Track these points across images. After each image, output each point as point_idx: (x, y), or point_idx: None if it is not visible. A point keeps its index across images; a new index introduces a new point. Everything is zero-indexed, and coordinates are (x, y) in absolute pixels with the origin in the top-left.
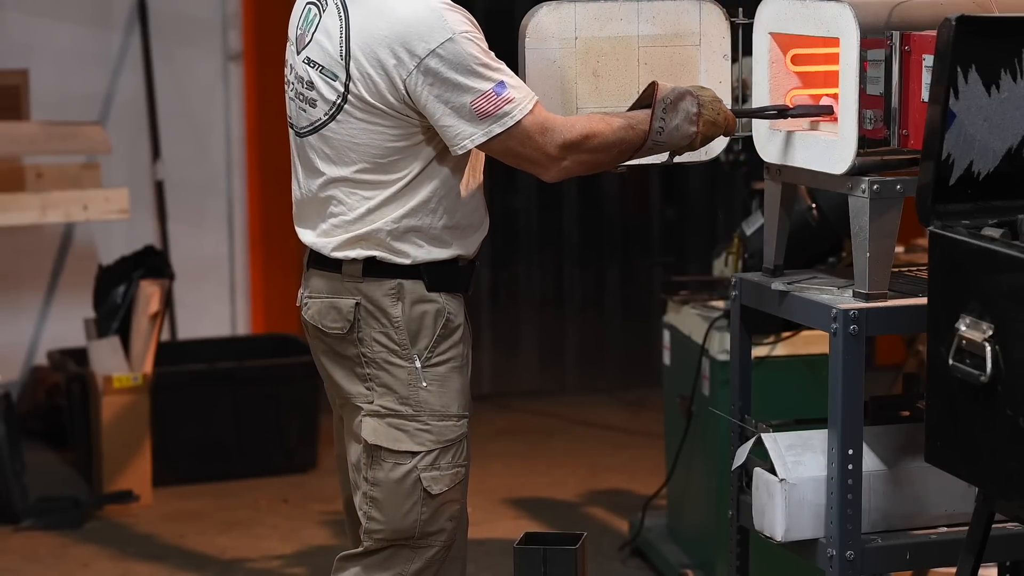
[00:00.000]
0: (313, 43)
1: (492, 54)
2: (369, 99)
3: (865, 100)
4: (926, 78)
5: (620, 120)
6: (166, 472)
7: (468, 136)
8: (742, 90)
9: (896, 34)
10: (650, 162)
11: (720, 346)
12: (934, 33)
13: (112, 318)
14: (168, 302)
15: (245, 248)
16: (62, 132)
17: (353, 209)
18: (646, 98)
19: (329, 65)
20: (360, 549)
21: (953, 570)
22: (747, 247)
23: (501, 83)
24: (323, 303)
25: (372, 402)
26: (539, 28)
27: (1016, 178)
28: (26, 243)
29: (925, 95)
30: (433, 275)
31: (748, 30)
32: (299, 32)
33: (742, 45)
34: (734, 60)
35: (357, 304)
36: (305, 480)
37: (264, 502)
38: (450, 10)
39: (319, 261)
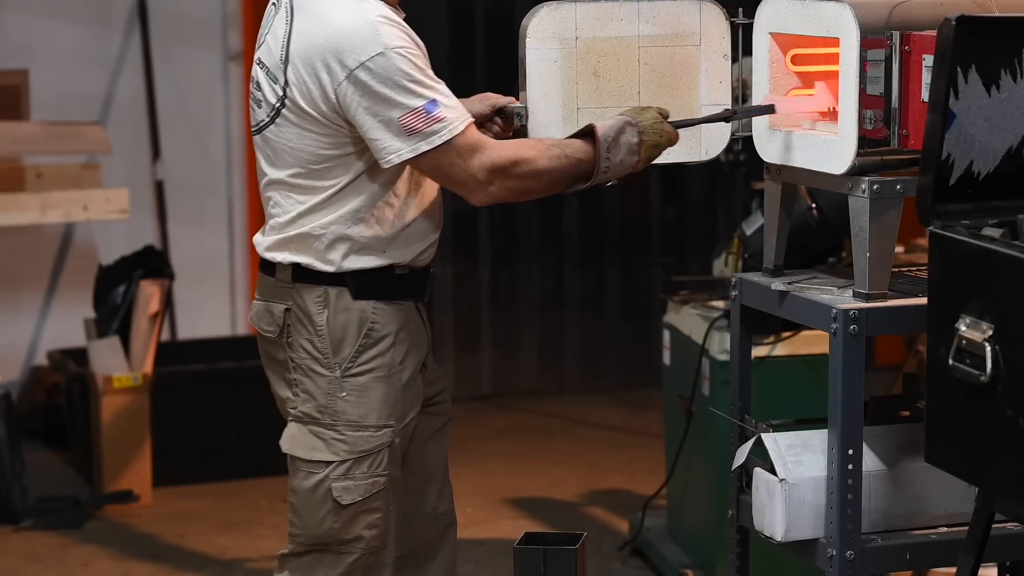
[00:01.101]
0: (264, 44)
1: (429, 72)
2: (303, 105)
3: (865, 100)
4: (926, 78)
5: (556, 149)
6: (166, 472)
7: (395, 151)
8: (742, 90)
9: (896, 34)
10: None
11: (720, 346)
12: (934, 33)
13: (112, 318)
14: (168, 302)
15: (245, 248)
16: (62, 132)
17: (286, 212)
18: (583, 132)
19: (272, 68)
20: (287, 550)
21: (953, 570)
22: (747, 247)
23: (433, 101)
24: (261, 306)
25: (296, 408)
26: (540, 28)
27: (1016, 178)
28: (26, 243)
29: (925, 95)
30: (360, 283)
31: (748, 30)
32: (262, 31)
33: (742, 45)
34: (734, 60)
35: (287, 309)
36: None
37: (264, 502)
38: (387, 24)
39: (262, 262)
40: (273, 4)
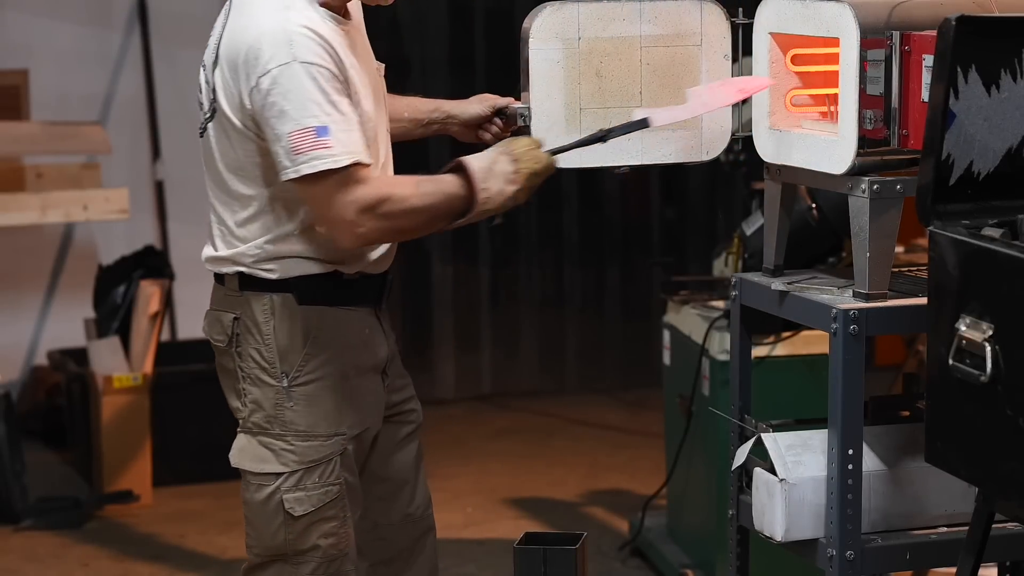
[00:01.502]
0: (208, 45)
1: (336, 97)
2: (227, 110)
3: (865, 100)
4: (926, 78)
5: (429, 185)
6: (166, 472)
7: (283, 168)
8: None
9: (896, 34)
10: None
11: (720, 346)
12: (934, 33)
13: (112, 318)
14: (168, 302)
15: None
16: (62, 132)
17: (228, 220)
18: (453, 167)
19: (207, 69)
20: (246, 564)
21: (953, 570)
22: (747, 247)
23: (325, 127)
24: (212, 315)
25: (245, 418)
26: (542, 29)
27: (1016, 178)
28: (26, 243)
29: (925, 95)
30: (304, 290)
31: (748, 30)
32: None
33: (742, 45)
34: (734, 60)
35: (236, 318)
36: None
37: None
38: (306, 36)
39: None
40: (224, 3)
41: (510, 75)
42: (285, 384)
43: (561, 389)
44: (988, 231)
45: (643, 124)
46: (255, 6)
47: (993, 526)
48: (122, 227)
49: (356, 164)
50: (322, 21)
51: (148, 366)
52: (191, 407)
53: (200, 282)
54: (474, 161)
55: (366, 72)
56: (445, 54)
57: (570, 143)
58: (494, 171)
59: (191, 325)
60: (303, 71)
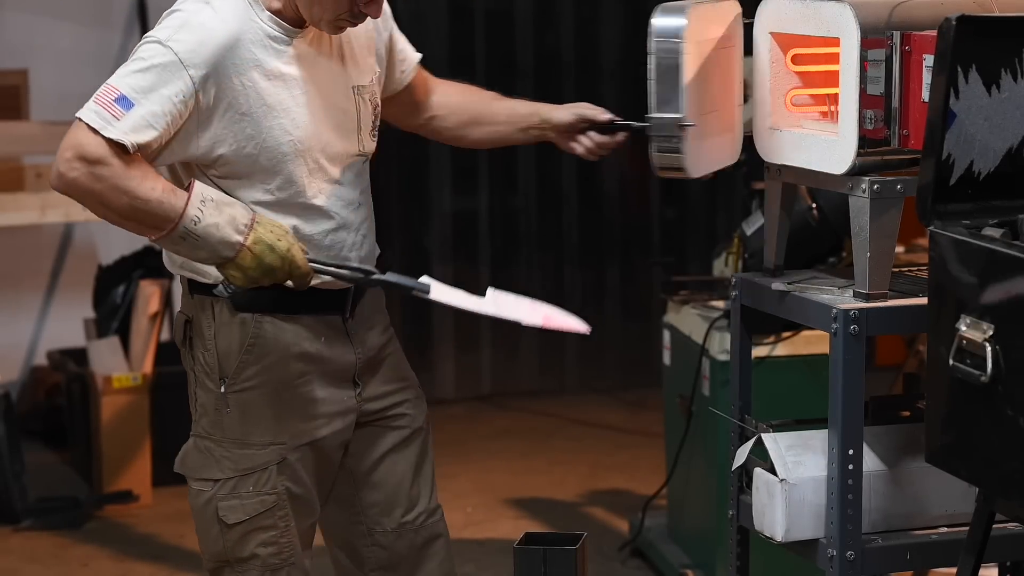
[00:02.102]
0: None
1: (166, 90)
2: None
3: (865, 100)
4: (926, 78)
5: (155, 182)
6: (166, 472)
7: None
8: (743, 90)
9: (896, 34)
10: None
11: (720, 346)
12: (934, 33)
13: (112, 318)
14: (168, 302)
15: None
16: (62, 132)
17: None
18: (188, 185)
19: None
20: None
21: (954, 570)
22: (747, 247)
23: (129, 101)
24: (176, 317)
25: (196, 422)
26: (691, 31)
27: (1016, 178)
28: (26, 243)
29: (925, 95)
30: (241, 297)
31: (748, 30)
32: None
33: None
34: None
35: (187, 321)
36: None
37: None
38: (180, 25)
39: None
40: None
41: (510, 75)
42: (223, 390)
43: (561, 389)
44: (988, 231)
45: (424, 288)
46: None
47: (994, 526)
48: None
49: (124, 146)
50: (247, 21)
51: (148, 366)
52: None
53: None
54: (207, 188)
55: (319, 93)
56: (445, 54)
57: (331, 267)
58: (224, 210)
59: None
60: (151, 47)
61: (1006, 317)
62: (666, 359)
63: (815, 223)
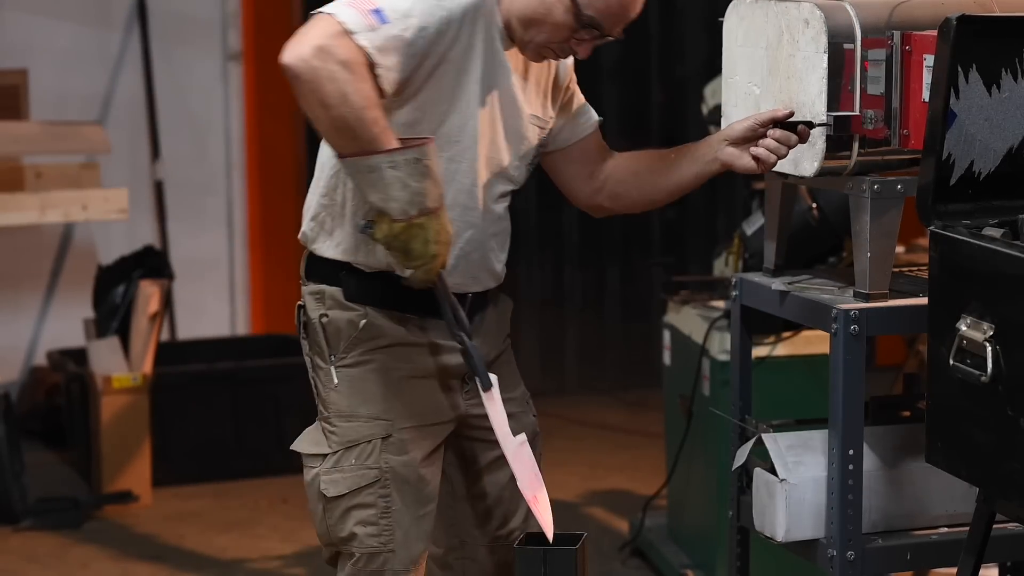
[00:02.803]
0: None
1: (414, 18)
2: None
3: (866, 100)
4: (927, 78)
5: (381, 114)
6: (166, 472)
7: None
8: None
9: (897, 34)
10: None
11: (720, 346)
12: (935, 33)
13: (112, 318)
14: (168, 302)
15: (245, 248)
16: (62, 132)
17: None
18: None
19: None
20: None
21: (954, 570)
22: (747, 247)
23: (385, 17)
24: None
25: (317, 406)
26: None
27: (1017, 178)
28: (26, 243)
29: (926, 95)
30: (352, 286)
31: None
32: None
33: None
34: None
35: (300, 306)
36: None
37: (264, 502)
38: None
39: None
40: None
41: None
42: (332, 365)
43: (561, 389)
44: (989, 231)
45: (485, 384)
46: None
47: (994, 526)
48: (121, 227)
49: (364, 48)
50: (478, 11)
51: (147, 366)
52: (191, 407)
53: (199, 282)
54: (432, 153)
55: (509, 104)
56: None
57: (444, 298)
58: (423, 182)
59: (190, 325)
60: None
61: (1006, 317)
62: (666, 359)
63: (815, 223)
